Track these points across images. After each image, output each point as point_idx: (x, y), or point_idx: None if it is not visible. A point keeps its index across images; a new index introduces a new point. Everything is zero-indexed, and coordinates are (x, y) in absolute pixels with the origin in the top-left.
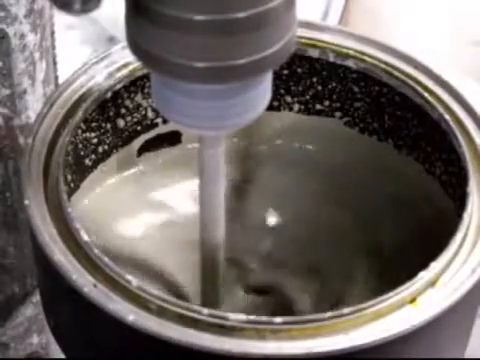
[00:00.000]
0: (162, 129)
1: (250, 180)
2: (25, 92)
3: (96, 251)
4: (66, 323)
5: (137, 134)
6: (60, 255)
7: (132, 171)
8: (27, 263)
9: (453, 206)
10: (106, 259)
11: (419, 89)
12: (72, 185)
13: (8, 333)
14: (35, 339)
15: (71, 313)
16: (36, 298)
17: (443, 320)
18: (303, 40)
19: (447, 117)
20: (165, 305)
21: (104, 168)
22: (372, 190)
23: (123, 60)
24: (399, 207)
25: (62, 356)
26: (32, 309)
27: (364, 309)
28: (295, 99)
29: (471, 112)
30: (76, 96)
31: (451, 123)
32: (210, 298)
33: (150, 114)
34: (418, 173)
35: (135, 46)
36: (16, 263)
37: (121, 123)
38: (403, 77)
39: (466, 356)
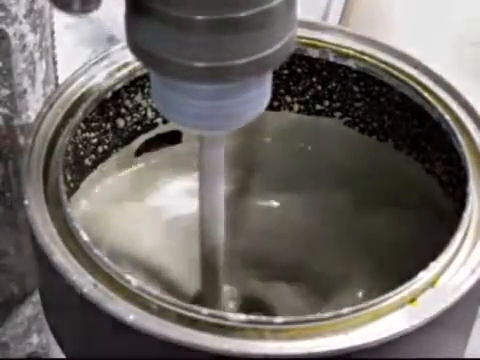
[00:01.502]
0: (162, 129)
1: (250, 180)
2: (25, 92)
3: (96, 251)
4: (66, 323)
5: (137, 134)
6: (60, 255)
7: (132, 171)
8: (27, 263)
9: (453, 206)
10: (106, 259)
11: (419, 89)
12: (72, 185)
13: (8, 333)
14: (35, 339)
15: (71, 313)
16: (36, 298)
17: (443, 320)
18: (303, 40)
19: (447, 117)
20: (165, 305)
21: (104, 168)
22: (372, 190)
23: (123, 60)
24: (399, 207)
25: (62, 356)
26: (32, 309)
27: (364, 309)
28: (295, 99)
29: (471, 112)
30: (76, 96)
31: (451, 123)
32: (210, 298)
33: (150, 114)
34: (418, 173)
35: (135, 46)
36: (16, 263)
37: (121, 123)
38: (403, 77)
39: (466, 356)
